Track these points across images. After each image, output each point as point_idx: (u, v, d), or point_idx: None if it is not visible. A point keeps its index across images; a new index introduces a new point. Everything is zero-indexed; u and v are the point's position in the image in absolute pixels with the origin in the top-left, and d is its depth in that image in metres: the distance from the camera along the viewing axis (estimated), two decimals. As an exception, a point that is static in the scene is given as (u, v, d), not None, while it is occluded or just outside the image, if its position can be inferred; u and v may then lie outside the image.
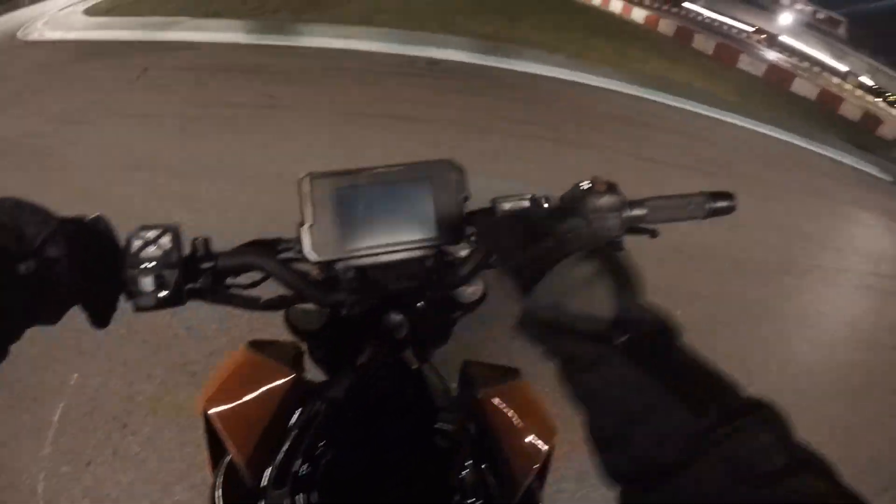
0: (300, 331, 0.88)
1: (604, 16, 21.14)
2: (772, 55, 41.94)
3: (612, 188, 0.74)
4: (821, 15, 56.15)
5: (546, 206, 0.78)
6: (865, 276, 4.52)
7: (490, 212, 0.79)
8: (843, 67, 61.98)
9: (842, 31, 58.37)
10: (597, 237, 0.71)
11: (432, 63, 6.56)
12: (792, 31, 62.06)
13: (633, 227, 0.79)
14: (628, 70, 10.13)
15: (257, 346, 0.82)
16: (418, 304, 0.85)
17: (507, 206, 0.78)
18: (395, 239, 0.76)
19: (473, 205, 0.81)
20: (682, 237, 3.74)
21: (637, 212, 0.77)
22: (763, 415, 0.43)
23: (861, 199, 8.53)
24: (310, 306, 0.85)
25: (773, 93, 16.48)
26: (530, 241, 0.60)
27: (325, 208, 0.73)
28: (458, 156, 2.77)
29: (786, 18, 61.70)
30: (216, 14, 8.86)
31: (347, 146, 3.95)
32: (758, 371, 2.86)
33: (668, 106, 8.55)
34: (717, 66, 17.12)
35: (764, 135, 9.58)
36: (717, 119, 9.01)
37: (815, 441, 0.40)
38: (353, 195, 0.74)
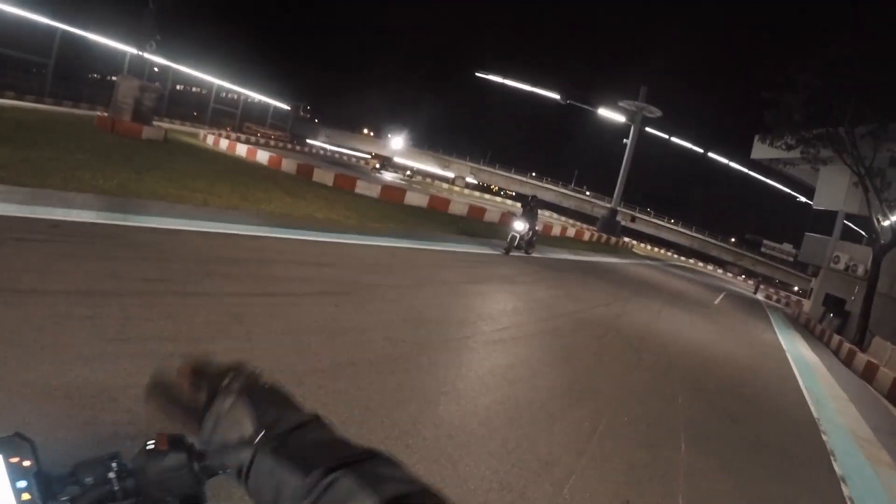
0: None
1: (229, 161, 22.21)
2: (388, 176, 48.47)
3: (175, 443, 0.74)
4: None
5: (115, 476, 0.73)
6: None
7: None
8: (450, 174, 74.85)
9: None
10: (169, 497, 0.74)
11: (53, 226, 6.28)
12: (400, 153, 72.75)
13: (214, 473, 0.77)
14: (253, 212, 10.94)
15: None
16: None
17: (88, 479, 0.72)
18: None
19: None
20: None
21: (210, 462, 0.75)
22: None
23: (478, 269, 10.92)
24: None
25: (391, 209, 19.33)
26: None
27: None
28: (85, 326, 3.13)
29: (396, 143, 72.36)
30: None
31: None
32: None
33: (294, 240, 9.42)
34: (338, 194, 19.33)
35: (384, 247, 11.32)
36: (333, 242, 10.27)
37: None
38: None
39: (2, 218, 5.94)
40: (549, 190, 72.37)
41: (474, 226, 21.59)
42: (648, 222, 69.67)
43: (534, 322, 8.74)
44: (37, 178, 8.33)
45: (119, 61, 36.77)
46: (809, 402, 9.65)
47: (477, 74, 65.41)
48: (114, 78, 21.92)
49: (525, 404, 5.18)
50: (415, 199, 23.74)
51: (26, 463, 0.66)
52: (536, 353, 7.05)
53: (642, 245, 65.30)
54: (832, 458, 6.77)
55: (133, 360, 3.60)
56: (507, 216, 20.94)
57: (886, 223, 21.25)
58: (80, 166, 9.97)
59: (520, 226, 16.94)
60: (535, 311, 9.68)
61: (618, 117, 53.69)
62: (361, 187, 22.20)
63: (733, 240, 70.48)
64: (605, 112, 54.06)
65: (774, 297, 46.18)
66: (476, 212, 25.34)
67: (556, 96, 58.71)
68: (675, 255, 70.45)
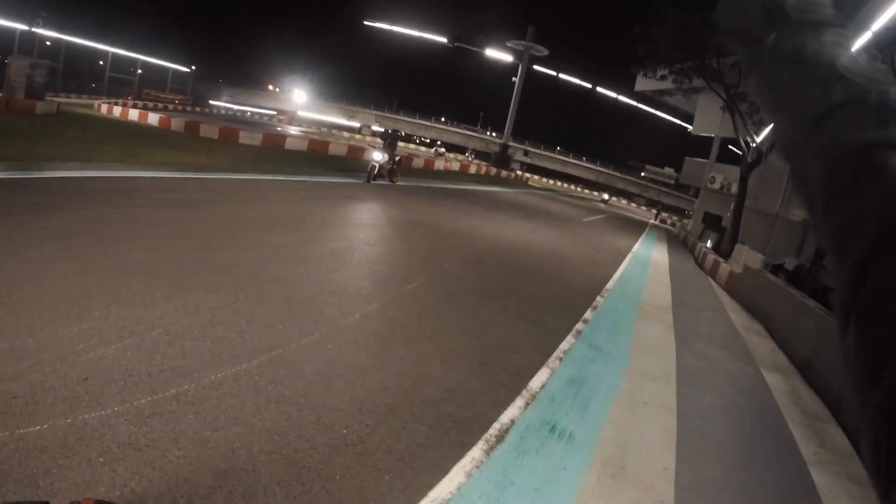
0: None
1: (120, 126, 24.25)
2: (293, 130, 50.33)
3: None
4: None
5: None
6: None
7: None
8: (355, 124, 76.57)
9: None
10: None
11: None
12: (305, 107, 73.83)
13: None
14: (134, 163, 13.51)
15: None
16: None
17: None
18: None
19: None
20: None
21: None
22: None
23: (325, 191, 13.90)
24: None
25: (270, 154, 21.97)
26: None
27: None
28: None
29: (300, 97, 73.39)
30: None
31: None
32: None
33: (161, 178, 12.15)
34: (221, 146, 21.80)
35: (241, 179, 14.15)
36: (197, 178, 13.09)
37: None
38: None
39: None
40: (454, 133, 75.78)
41: (350, 164, 24.47)
42: (553, 158, 73.25)
43: (346, 222, 11.74)
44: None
45: (10, 40, 37.42)
46: (612, 281, 11.48)
47: (365, 23, 66.73)
48: (7, 59, 23.52)
49: (302, 262, 8.14)
50: (295, 143, 26.49)
51: None
52: (333, 237, 10.04)
53: (544, 179, 68.90)
54: (591, 310, 8.83)
55: (23, 247, 6.59)
56: (360, 150, 22.51)
57: (753, 144, 23.89)
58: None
59: (378, 156, 19.20)
60: (355, 215, 12.69)
61: (506, 57, 56.97)
62: (245, 137, 24.70)
63: (643, 174, 73.79)
64: (492, 53, 57.18)
65: (669, 222, 50.65)
66: (355, 151, 28.23)
67: (444, 39, 61.23)
68: (578, 188, 73.65)
